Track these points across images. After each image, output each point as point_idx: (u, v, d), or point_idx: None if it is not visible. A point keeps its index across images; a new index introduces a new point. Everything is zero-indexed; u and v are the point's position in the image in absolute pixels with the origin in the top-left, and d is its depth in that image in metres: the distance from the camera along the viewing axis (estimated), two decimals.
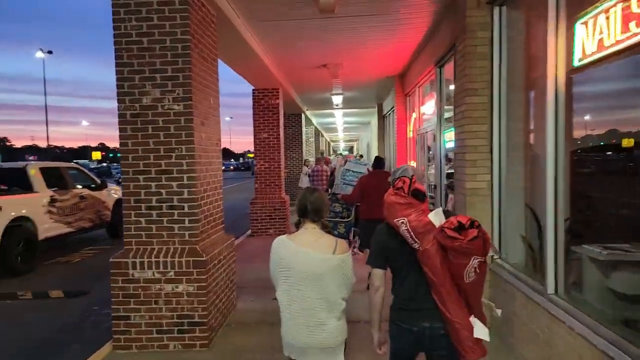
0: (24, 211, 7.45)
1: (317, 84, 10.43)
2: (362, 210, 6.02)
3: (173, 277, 3.95)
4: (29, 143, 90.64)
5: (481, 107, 4.39)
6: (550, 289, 3.22)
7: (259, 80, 8.93)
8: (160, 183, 4.03)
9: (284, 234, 2.48)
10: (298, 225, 2.45)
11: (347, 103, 13.83)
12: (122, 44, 3.97)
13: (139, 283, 3.95)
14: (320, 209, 2.41)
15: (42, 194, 8.06)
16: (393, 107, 10.78)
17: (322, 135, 26.46)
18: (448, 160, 6.34)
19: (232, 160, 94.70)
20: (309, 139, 19.56)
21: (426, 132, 7.77)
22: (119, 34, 3.96)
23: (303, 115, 15.34)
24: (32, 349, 4.44)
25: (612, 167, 3.31)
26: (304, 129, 15.95)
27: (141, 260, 3.95)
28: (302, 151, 15.50)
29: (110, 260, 4.01)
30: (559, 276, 3.21)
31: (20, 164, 8.82)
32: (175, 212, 4.03)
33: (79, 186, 9.32)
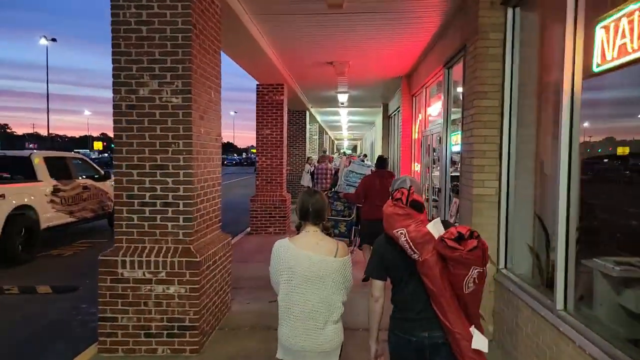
0: (26, 200, 7.48)
1: (323, 81, 10.32)
2: (364, 210, 6.07)
3: (164, 277, 3.79)
4: (30, 131, 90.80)
5: (491, 110, 4.28)
6: (560, 304, 3.09)
7: (264, 75, 8.81)
8: (155, 179, 3.88)
9: (283, 233, 2.51)
10: (299, 228, 2.47)
11: (352, 102, 13.73)
12: (120, 32, 3.82)
13: (128, 283, 3.79)
14: (322, 211, 2.44)
15: (46, 183, 8.07)
16: (399, 107, 10.67)
17: (326, 133, 26.36)
18: (453, 163, 6.25)
19: (235, 155, 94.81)
20: (312, 137, 19.44)
21: (432, 134, 7.64)
22: (117, 22, 3.82)
23: (307, 112, 15.21)
24: (12, 347, 4.27)
25: (611, 175, 3.34)
26: (307, 126, 15.82)
27: (131, 259, 3.79)
28: (305, 148, 15.37)
29: (99, 257, 3.86)
30: (569, 291, 3.08)
31: (24, 152, 8.87)
32: (170, 209, 3.88)
33: (83, 176, 9.38)
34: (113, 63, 3.85)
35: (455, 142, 6.05)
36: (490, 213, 4.26)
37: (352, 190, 6.57)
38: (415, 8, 5.46)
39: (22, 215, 7.36)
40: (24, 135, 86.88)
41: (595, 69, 2.87)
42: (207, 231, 4.33)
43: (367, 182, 6.09)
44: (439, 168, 6.86)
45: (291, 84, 9.97)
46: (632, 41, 2.56)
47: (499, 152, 4.25)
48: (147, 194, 3.89)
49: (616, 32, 2.67)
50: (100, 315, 3.85)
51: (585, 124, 3.24)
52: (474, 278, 2.06)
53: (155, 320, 3.82)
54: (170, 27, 3.80)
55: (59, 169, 8.61)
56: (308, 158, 14.68)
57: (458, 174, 5.55)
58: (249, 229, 9.86)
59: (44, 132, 55.56)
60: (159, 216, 3.89)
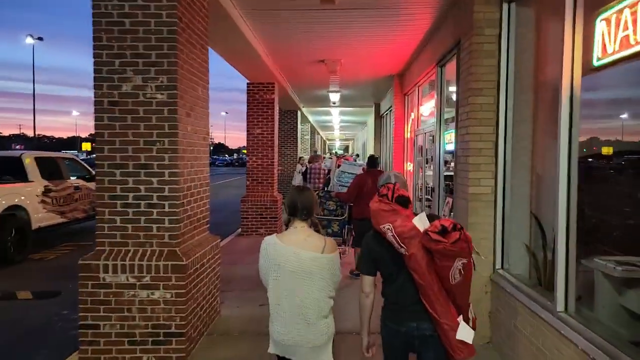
0: (17, 200, 7.42)
1: (314, 80, 10.22)
2: (355, 210, 6.07)
3: (149, 282, 3.61)
4: (17, 132, 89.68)
5: (486, 107, 4.20)
6: (560, 306, 3.00)
7: (254, 73, 8.68)
8: (139, 178, 3.71)
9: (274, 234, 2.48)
10: (287, 224, 2.48)
11: (344, 101, 13.65)
12: (101, 24, 3.65)
13: (110, 288, 3.60)
14: (310, 207, 2.45)
15: (37, 183, 8.03)
16: (391, 106, 10.61)
17: (318, 133, 26.28)
18: (446, 162, 6.18)
19: (227, 155, 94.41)
20: (304, 137, 19.33)
21: (425, 133, 7.56)
22: (98, 14, 3.64)
23: (299, 112, 15.09)
24: None
25: (597, 174, 3.40)
26: (299, 126, 15.69)
27: (114, 263, 3.61)
28: (296, 149, 15.24)
29: (79, 262, 3.66)
30: (570, 293, 3.00)
31: (15, 152, 8.85)
32: (155, 210, 3.71)
33: (74, 177, 9.31)
34: (94, 57, 3.68)
35: (448, 140, 5.98)
36: (486, 212, 4.18)
37: (344, 190, 6.51)
38: (408, 4, 5.37)
39: (13, 215, 7.29)
40: (10, 136, 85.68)
41: (596, 63, 2.79)
42: (195, 233, 4.17)
43: (358, 181, 6.10)
44: (432, 167, 6.79)
45: (282, 82, 9.84)
46: (635, 33, 2.49)
47: (495, 150, 4.16)
48: (131, 195, 3.71)
49: (618, 24, 2.60)
50: (81, 322, 3.65)
51: None
52: (460, 269, 2.13)
53: (140, 327, 3.63)
54: (155, 19, 3.64)
55: (50, 169, 8.54)
56: (300, 158, 14.56)
57: (451, 173, 5.47)
58: (239, 230, 9.71)
59: (31, 133, 54.79)
60: (143, 218, 3.72)
